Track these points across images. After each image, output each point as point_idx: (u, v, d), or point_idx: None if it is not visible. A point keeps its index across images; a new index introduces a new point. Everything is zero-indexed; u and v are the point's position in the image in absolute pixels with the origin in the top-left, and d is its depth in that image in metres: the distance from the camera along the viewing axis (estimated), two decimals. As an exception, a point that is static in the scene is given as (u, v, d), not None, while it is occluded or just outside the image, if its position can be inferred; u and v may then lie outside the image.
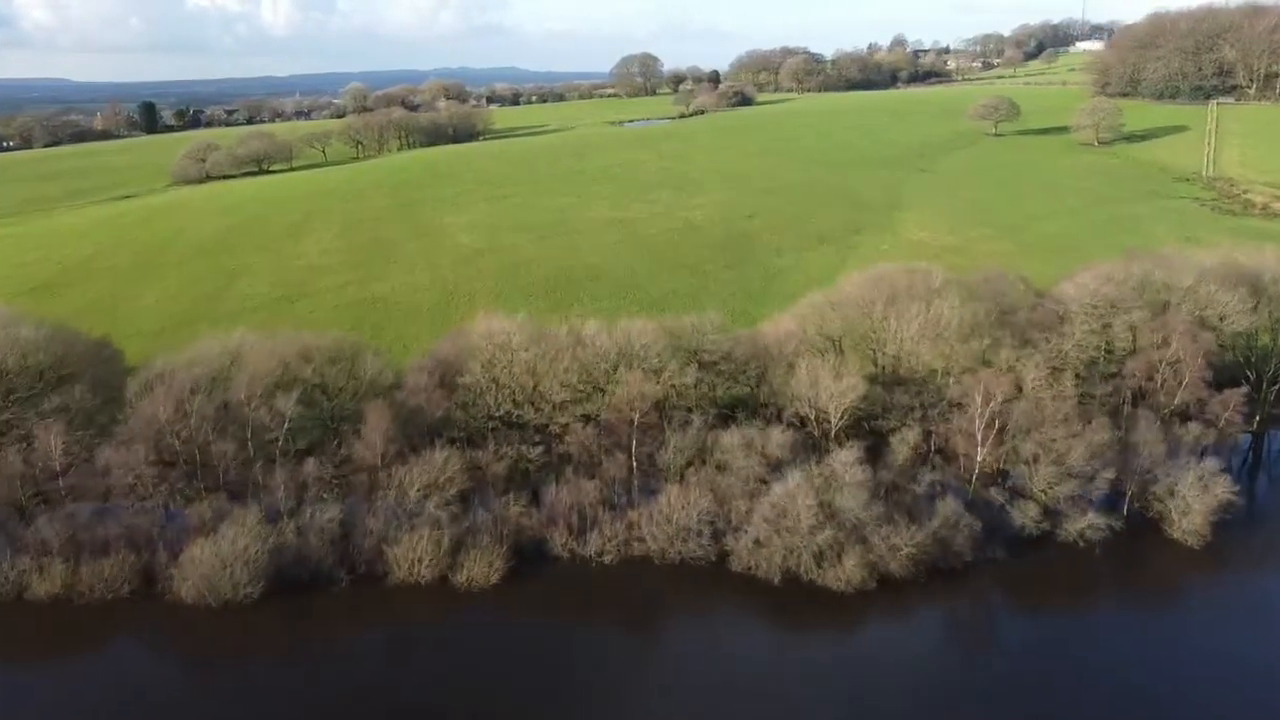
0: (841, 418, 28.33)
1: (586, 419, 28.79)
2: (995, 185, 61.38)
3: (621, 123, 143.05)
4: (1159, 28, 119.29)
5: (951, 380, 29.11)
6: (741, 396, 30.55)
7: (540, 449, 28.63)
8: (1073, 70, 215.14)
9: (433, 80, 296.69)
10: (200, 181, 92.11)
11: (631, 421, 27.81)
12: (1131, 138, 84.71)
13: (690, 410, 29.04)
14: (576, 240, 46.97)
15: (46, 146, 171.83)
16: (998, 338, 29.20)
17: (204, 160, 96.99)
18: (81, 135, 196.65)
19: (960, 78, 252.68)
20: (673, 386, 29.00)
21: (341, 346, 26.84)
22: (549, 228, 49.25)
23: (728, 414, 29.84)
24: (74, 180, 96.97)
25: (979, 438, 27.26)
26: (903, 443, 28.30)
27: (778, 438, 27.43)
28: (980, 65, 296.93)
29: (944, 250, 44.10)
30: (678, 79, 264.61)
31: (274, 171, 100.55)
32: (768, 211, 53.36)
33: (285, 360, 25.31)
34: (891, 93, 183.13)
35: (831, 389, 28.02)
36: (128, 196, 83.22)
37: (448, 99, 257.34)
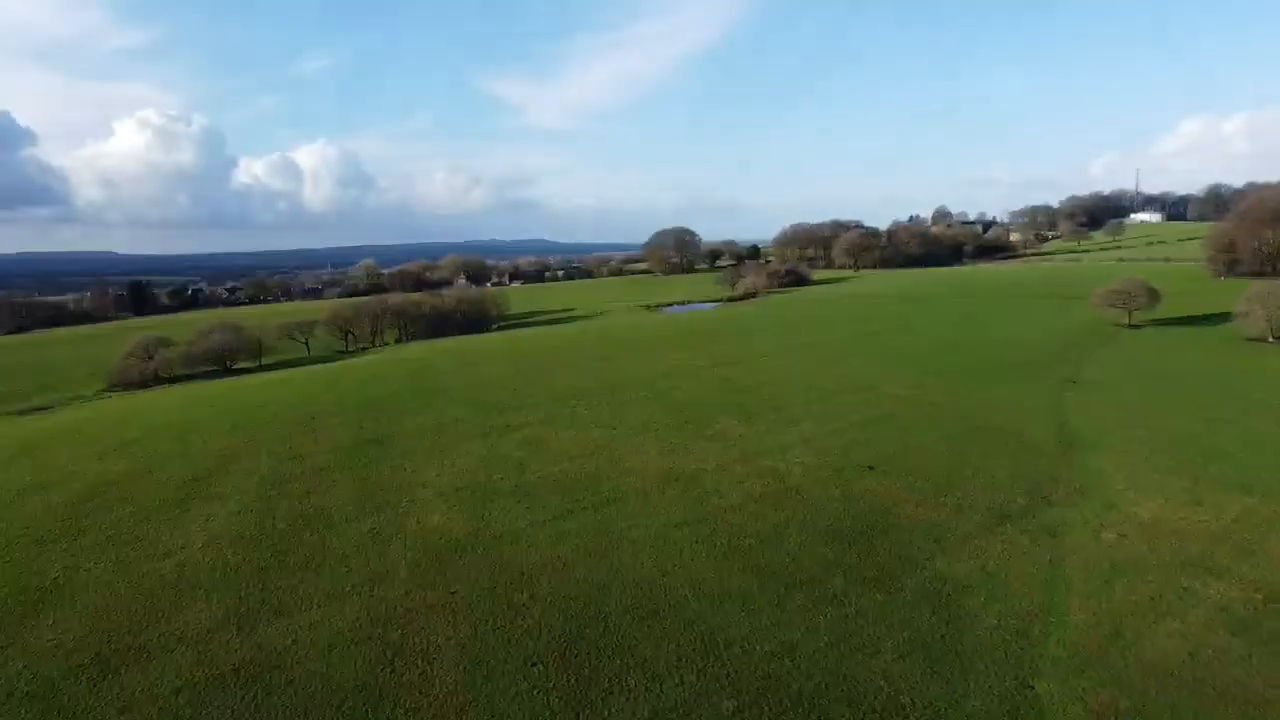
0: None
1: None
2: (1193, 407, 47.71)
3: (658, 306, 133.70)
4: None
5: None
6: None
7: None
8: (1151, 243, 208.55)
9: (451, 255, 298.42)
10: (142, 386, 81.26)
11: None
12: (1314, 331, 71.69)
13: None
14: (612, 521, 29.99)
15: (12, 333, 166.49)
16: None
17: (151, 358, 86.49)
18: (57, 319, 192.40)
19: (1027, 251, 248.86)
20: None
21: None
22: (570, 491, 32.98)
23: None
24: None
25: None
26: None
27: None
28: (1034, 238, 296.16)
29: (1213, 540, 29.71)
30: (715, 254, 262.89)
31: (240, 370, 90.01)
32: (892, 458, 39.36)
33: None
34: (965, 270, 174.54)
35: None
36: (39, 409, 71.95)
37: (466, 277, 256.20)
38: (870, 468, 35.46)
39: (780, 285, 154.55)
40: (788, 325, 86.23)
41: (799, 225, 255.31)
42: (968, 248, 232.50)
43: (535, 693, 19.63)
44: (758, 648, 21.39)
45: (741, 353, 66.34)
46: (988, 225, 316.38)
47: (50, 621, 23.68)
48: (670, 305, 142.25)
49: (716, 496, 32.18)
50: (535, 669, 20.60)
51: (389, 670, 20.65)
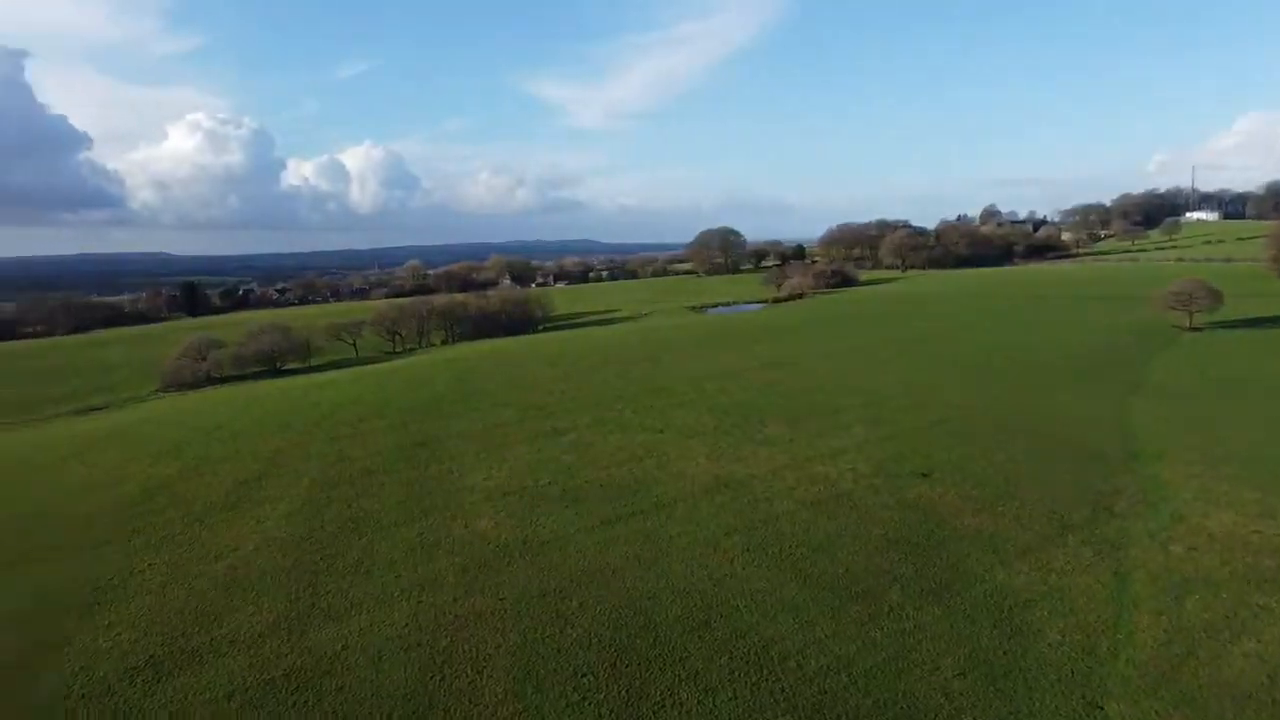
0: None
1: None
2: (1261, 414, 45.90)
3: (703, 308, 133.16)
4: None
5: None
6: None
7: None
8: (1209, 242, 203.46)
9: (496, 256, 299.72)
10: (194, 386, 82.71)
11: None
12: (1386, 334, 69.02)
13: None
14: (661, 528, 29.55)
15: (70, 333, 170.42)
16: None
17: (203, 359, 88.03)
18: (114, 319, 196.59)
19: (1080, 251, 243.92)
20: None
21: None
22: (618, 497, 32.68)
23: None
24: (50, 383, 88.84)
25: None
26: None
27: None
28: (1086, 237, 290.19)
29: (1286, 555, 28.58)
30: (760, 254, 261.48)
31: (289, 371, 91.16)
32: (948, 465, 38.54)
33: None
34: (1016, 270, 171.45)
35: None
36: (95, 409, 73.48)
37: (511, 278, 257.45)
38: (925, 475, 34.72)
39: (827, 286, 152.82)
40: (836, 327, 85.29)
41: (845, 225, 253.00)
42: (1018, 247, 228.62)
43: (586, 704, 19.36)
44: (812, 662, 20.91)
45: (789, 355, 65.63)
46: (1038, 224, 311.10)
47: (106, 623, 23.95)
48: (715, 306, 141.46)
49: (767, 504, 31.70)
50: (585, 679, 20.33)
51: (439, 678, 20.52)
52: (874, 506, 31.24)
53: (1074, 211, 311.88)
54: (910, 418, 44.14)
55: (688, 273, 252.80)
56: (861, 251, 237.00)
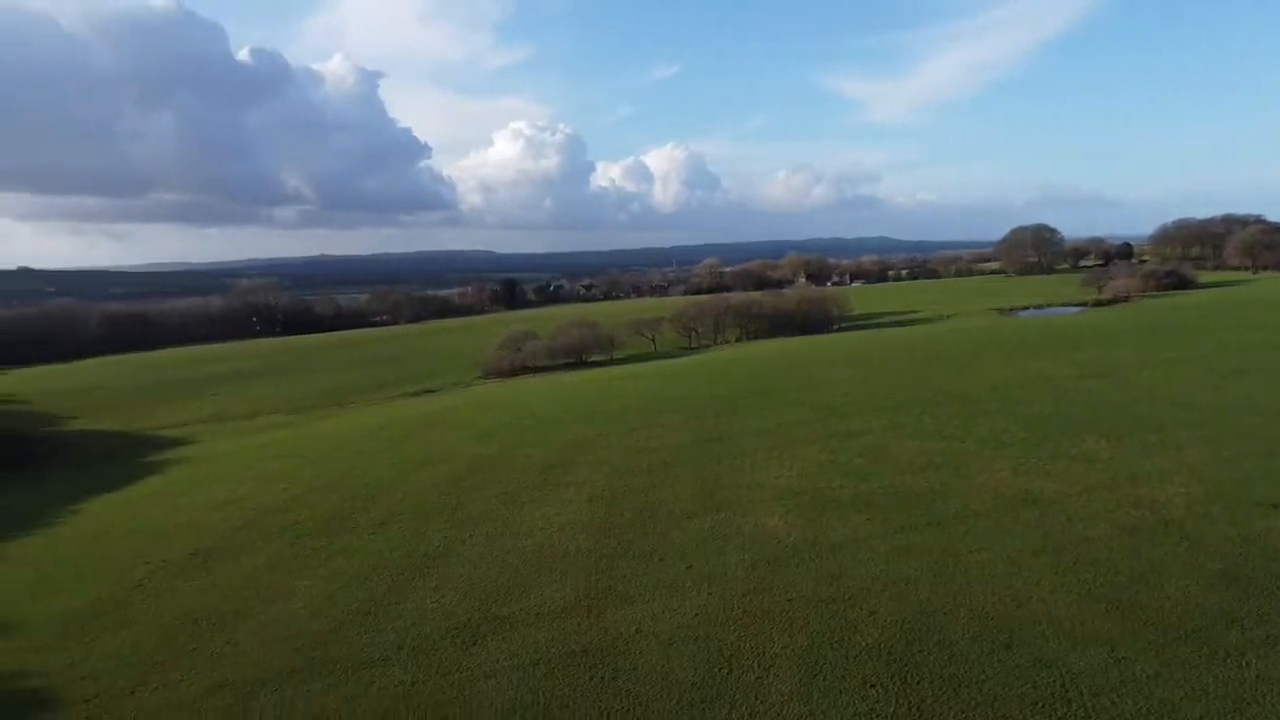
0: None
1: None
2: None
3: (1012, 310, 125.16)
4: None
5: None
6: None
7: None
8: None
9: (792, 255, 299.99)
10: (510, 375, 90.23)
11: None
12: None
13: None
14: (958, 541, 27.69)
15: (410, 322, 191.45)
16: None
17: (520, 349, 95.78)
18: (443, 311, 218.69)
19: None
20: None
21: None
22: (911, 505, 31.06)
23: None
24: (393, 366, 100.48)
25: None
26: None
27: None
28: None
29: None
30: (1078, 253, 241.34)
31: (593, 364, 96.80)
32: (1301, 494, 33.36)
33: None
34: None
35: None
36: (429, 391, 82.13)
37: (806, 276, 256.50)
38: (1275, 506, 30.45)
39: (1158, 288, 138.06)
40: (1167, 333, 76.80)
41: (1182, 221, 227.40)
42: None
43: (873, 716, 18.92)
44: (1129, 702, 19.05)
45: (1110, 363, 60.00)
46: None
47: (433, 585, 26.80)
48: (1026, 309, 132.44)
49: (1080, 525, 29.23)
50: (873, 690, 19.87)
51: (726, 670, 20.93)
52: (1209, 537, 27.84)
53: None
54: (1259, 439, 38.77)
55: (995, 272, 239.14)
56: (1202, 250, 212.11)
